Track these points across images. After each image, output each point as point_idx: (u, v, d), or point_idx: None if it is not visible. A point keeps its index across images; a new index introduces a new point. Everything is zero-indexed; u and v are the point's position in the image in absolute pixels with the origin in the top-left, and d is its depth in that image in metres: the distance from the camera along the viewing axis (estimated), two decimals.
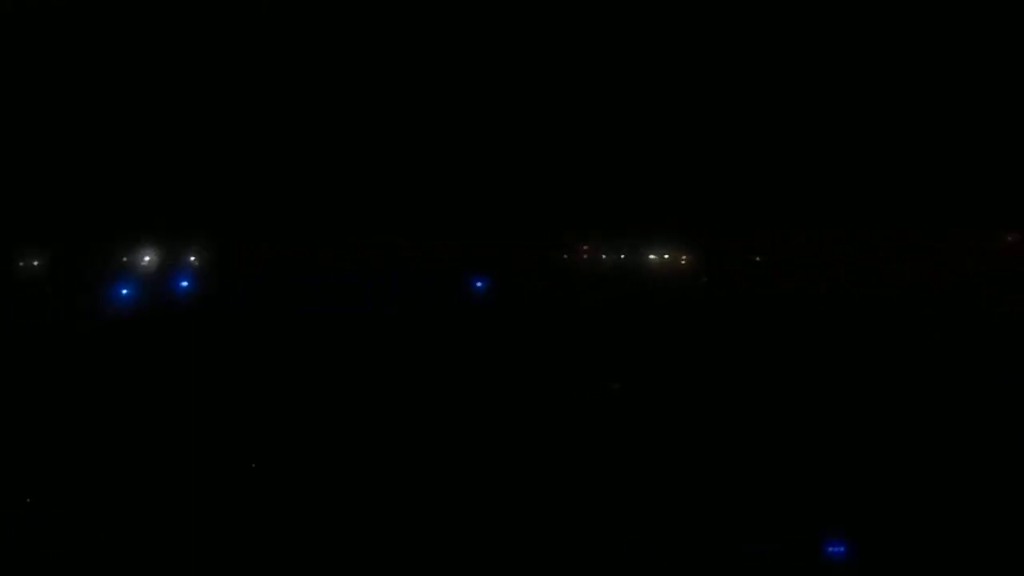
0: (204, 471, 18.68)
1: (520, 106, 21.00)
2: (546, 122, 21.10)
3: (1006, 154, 20.81)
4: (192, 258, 21.53)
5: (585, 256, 21.86)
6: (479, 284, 21.21)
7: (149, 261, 21.46)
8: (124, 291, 21.02)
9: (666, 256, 21.68)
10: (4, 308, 20.80)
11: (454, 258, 21.52)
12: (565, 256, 21.78)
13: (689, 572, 17.02)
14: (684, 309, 21.34)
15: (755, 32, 20.78)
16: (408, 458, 19.11)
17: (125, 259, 21.43)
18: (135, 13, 20.71)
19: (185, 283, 21.28)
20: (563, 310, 21.22)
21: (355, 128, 21.15)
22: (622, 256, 21.80)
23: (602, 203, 21.21)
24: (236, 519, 17.85)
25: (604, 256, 21.88)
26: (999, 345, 20.44)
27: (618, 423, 19.83)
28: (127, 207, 20.95)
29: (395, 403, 19.97)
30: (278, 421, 19.79)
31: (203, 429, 19.36)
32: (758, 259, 21.62)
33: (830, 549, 16.97)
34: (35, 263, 21.35)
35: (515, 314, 21.15)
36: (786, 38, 20.70)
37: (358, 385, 20.26)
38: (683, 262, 21.73)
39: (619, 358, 20.73)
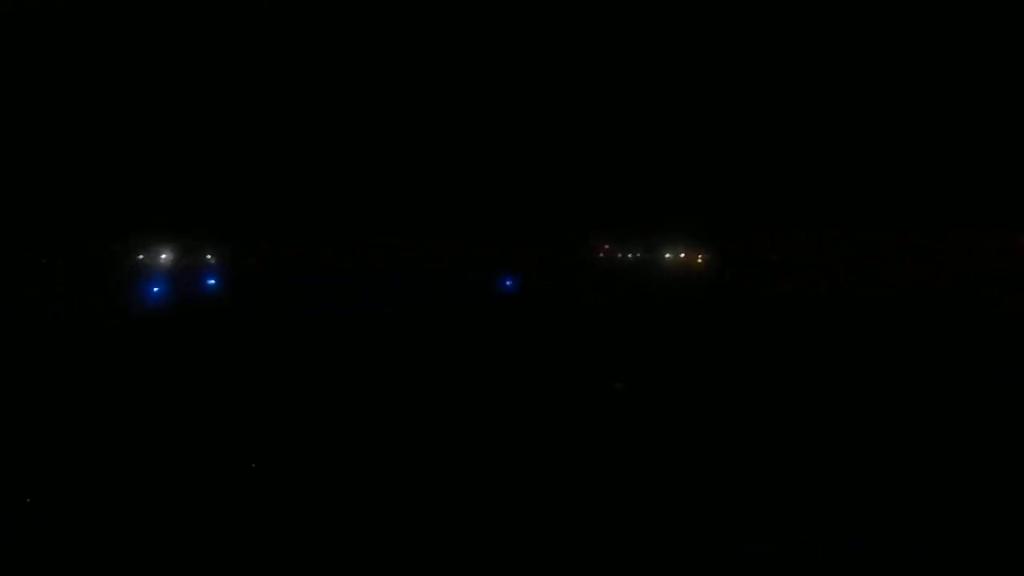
0: (204, 471, 18.66)
1: (538, 111, 21.20)
2: (569, 127, 21.32)
3: (1006, 154, 20.85)
4: (194, 258, 21.57)
5: (602, 255, 22.04)
6: (508, 283, 21.46)
7: (152, 261, 21.48)
8: (155, 289, 21.08)
9: (682, 255, 21.84)
10: (3, 308, 20.81)
11: (458, 258, 21.66)
12: (582, 255, 21.97)
13: (689, 572, 16.99)
14: (699, 306, 21.45)
15: (773, 51, 20.95)
16: (411, 455, 19.12)
17: (141, 258, 21.49)
18: (157, 35, 20.84)
19: (212, 281, 21.39)
20: (582, 307, 21.35)
21: (397, 138, 21.35)
22: (638, 255, 21.95)
23: (621, 205, 21.37)
24: (237, 517, 17.83)
25: (619, 255, 22.03)
26: (999, 345, 20.46)
27: (628, 420, 19.88)
28: (140, 210, 21.04)
29: (401, 401, 20.00)
30: (279, 421, 19.79)
31: (203, 429, 19.36)
32: (774, 258, 21.78)
33: None
34: (39, 261, 21.41)
35: (535, 311, 21.27)
36: (803, 55, 20.86)
37: (360, 384, 20.28)
38: (699, 261, 21.89)
39: (637, 354, 20.83)
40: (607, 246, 22.26)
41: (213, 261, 21.74)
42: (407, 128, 21.26)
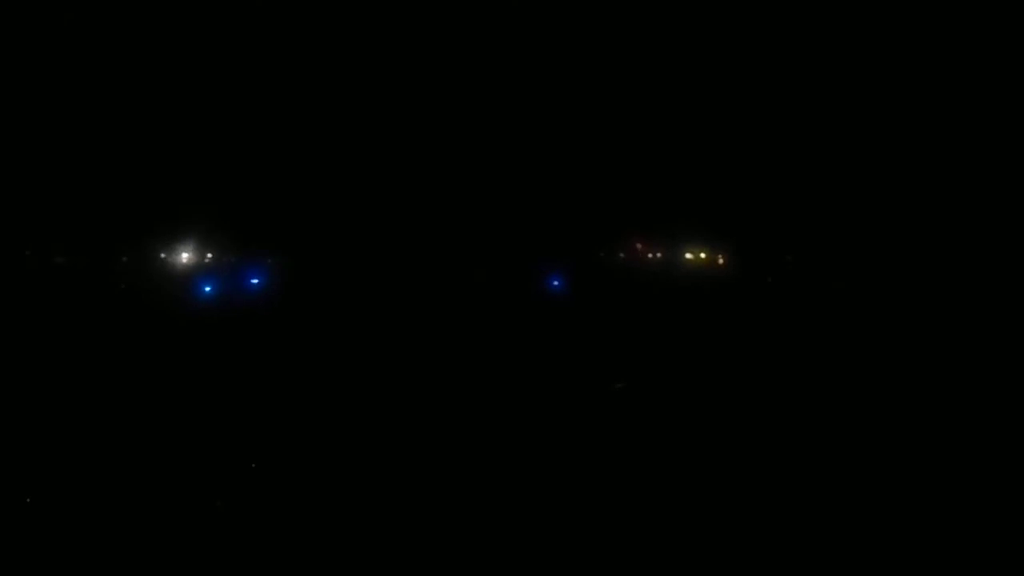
0: (205, 472, 18.70)
1: (564, 118, 21.34)
2: (594, 135, 21.43)
3: (1006, 154, 20.89)
4: (238, 257, 21.48)
5: (623, 255, 22.12)
6: (556, 283, 21.48)
7: (195, 261, 21.42)
8: (207, 288, 21.00)
9: (703, 255, 21.93)
10: (4, 308, 20.84)
11: (509, 256, 21.72)
12: (603, 255, 22.03)
13: (689, 572, 17.04)
14: (716, 305, 21.55)
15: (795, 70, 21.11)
16: (414, 456, 19.15)
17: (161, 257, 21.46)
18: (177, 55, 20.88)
19: (255, 280, 21.28)
20: (608, 307, 21.41)
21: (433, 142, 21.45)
22: (661, 255, 22.04)
23: (647, 206, 21.49)
24: (238, 518, 17.87)
25: (648, 255, 22.11)
26: (999, 345, 20.48)
27: (628, 420, 19.92)
28: (181, 210, 21.09)
29: (406, 401, 20.04)
30: (279, 424, 19.81)
31: (205, 431, 19.40)
32: (789, 258, 21.89)
33: None
34: (44, 258, 21.42)
35: (584, 312, 21.37)
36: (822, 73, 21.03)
37: (362, 385, 20.30)
38: (720, 261, 21.99)
39: (641, 353, 20.91)
40: (639, 244, 22.32)
41: (257, 261, 21.62)
42: (457, 136, 21.40)
